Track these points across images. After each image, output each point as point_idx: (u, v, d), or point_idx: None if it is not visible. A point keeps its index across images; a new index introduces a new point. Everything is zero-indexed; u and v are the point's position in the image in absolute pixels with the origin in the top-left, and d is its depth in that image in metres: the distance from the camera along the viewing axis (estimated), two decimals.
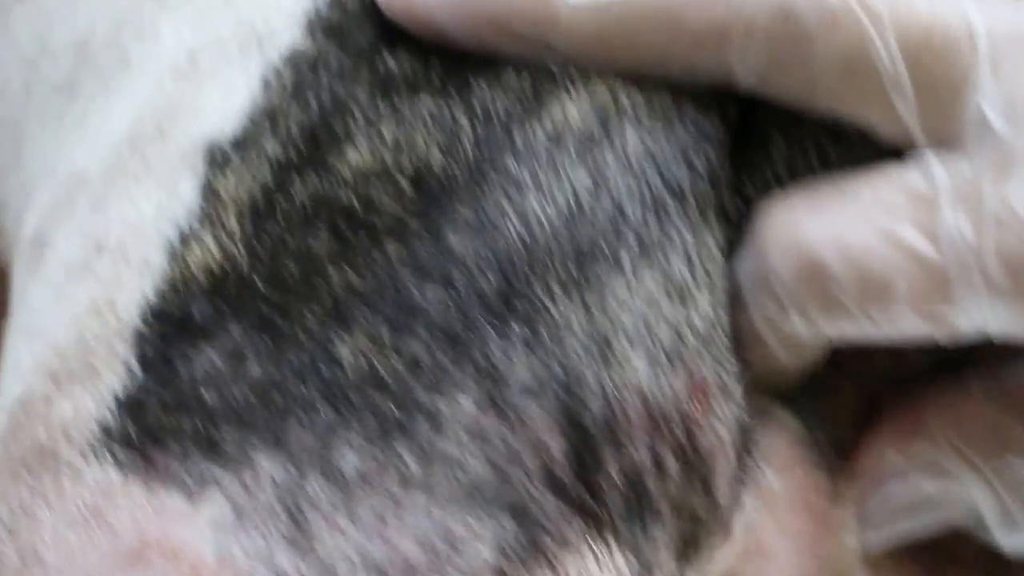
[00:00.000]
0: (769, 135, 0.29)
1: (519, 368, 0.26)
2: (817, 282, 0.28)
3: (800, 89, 0.28)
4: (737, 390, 0.28)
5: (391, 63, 0.28)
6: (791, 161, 0.29)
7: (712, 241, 0.28)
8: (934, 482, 0.30)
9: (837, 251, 0.28)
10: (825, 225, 0.28)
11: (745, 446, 0.29)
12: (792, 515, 0.30)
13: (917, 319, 0.28)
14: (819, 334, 0.29)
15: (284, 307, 0.26)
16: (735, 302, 0.29)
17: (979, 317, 0.28)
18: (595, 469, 0.26)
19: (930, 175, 0.28)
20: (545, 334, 0.26)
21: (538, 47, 0.28)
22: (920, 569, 0.32)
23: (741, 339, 0.29)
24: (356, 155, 0.27)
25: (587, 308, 0.26)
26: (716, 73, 0.28)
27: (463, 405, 0.25)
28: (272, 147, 0.28)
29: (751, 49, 0.28)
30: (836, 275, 0.28)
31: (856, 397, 0.31)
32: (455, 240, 0.26)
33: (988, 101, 0.28)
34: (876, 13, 0.28)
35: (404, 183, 0.27)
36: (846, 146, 0.29)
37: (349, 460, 0.25)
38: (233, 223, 0.27)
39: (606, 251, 0.26)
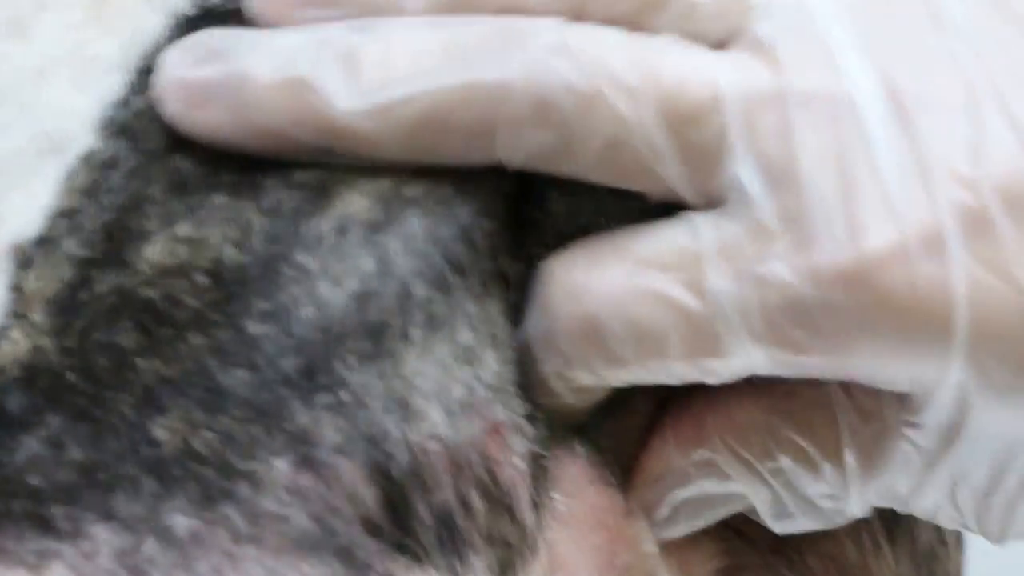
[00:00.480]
0: (547, 194, 0.31)
1: (327, 431, 0.28)
2: (596, 338, 0.30)
3: (569, 169, 0.30)
4: (528, 428, 0.31)
5: (184, 163, 0.30)
6: (570, 217, 0.31)
7: (494, 308, 0.31)
8: (715, 483, 0.33)
9: (613, 308, 0.30)
10: (601, 283, 0.30)
11: (541, 475, 0.31)
12: (588, 532, 0.32)
13: (691, 369, 0.30)
14: (606, 384, 0.31)
15: (97, 397, 0.28)
16: (527, 355, 0.31)
17: (747, 363, 0.30)
18: (408, 512, 0.28)
19: (697, 234, 0.30)
20: (348, 400, 0.28)
21: (321, 152, 0.30)
22: (714, 545, 0.35)
23: (535, 387, 0.31)
24: (153, 252, 0.29)
25: (383, 375, 0.29)
26: (489, 160, 0.30)
27: (279, 468, 0.28)
28: (71, 245, 0.29)
29: (516, 140, 0.30)
30: (613, 332, 0.30)
31: (645, 411, 0.33)
32: (254, 328, 0.29)
33: (742, 165, 0.29)
34: (629, 88, 0.29)
35: (201, 278, 0.29)
36: (623, 197, 0.30)
37: (180, 522, 0.27)
38: (38, 318, 0.29)
39: (396, 327, 0.29)
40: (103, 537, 0.27)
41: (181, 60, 0.31)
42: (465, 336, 0.30)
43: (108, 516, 0.27)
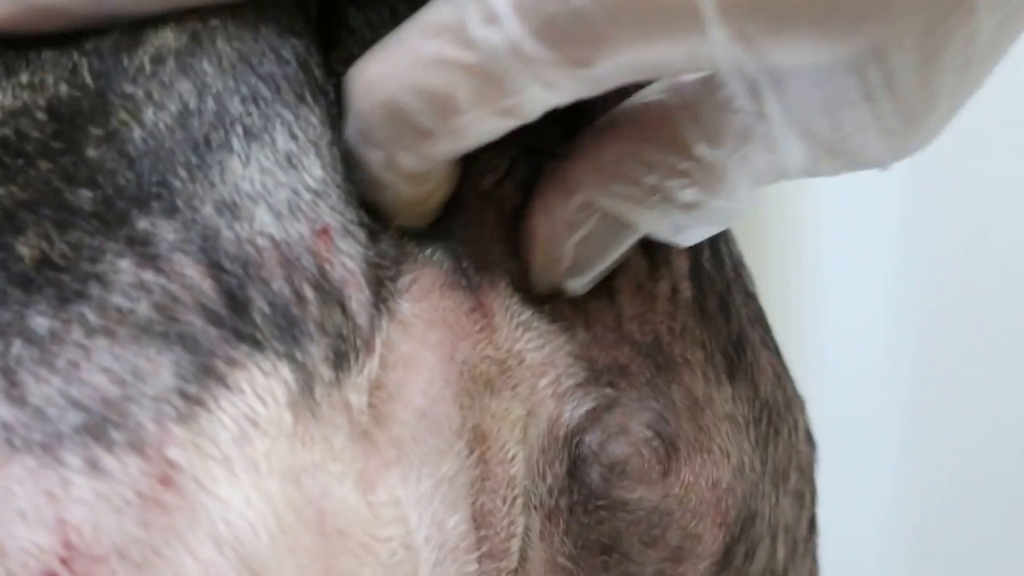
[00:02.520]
0: (345, 12, 0.35)
1: (164, 232, 0.32)
2: (401, 118, 0.33)
3: None
4: (360, 233, 0.34)
5: None
6: (369, 29, 0.35)
7: (314, 117, 0.34)
8: (600, 223, 0.36)
9: (404, 86, 0.33)
10: (390, 70, 0.33)
11: (378, 280, 0.35)
12: (431, 330, 0.35)
13: (494, 118, 0.33)
14: (428, 159, 0.34)
15: None
16: (354, 162, 0.35)
17: (537, 94, 0.33)
18: (245, 302, 0.32)
19: (453, 2, 0.33)
20: (180, 205, 0.32)
21: (94, 19, 0.33)
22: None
23: (371, 191, 0.35)
24: (2, 99, 0.33)
25: (211, 183, 0.33)
26: None
27: (123, 267, 0.32)
28: None
29: None
30: (411, 106, 0.33)
31: (494, 214, 0.37)
32: (92, 152, 0.33)
33: None
34: None
35: (42, 115, 0.33)
36: (416, 5, 0.34)
37: (41, 324, 0.31)
38: None
39: (218, 140, 0.33)
40: None
41: None
42: (285, 143, 0.34)
43: None
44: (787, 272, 0.86)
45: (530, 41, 0.32)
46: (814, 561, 0.45)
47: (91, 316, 0.31)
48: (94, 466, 0.30)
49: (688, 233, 0.37)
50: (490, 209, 0.37)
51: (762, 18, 0.31)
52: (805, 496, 0.45)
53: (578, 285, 0.38)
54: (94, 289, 0.31)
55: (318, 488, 0.32)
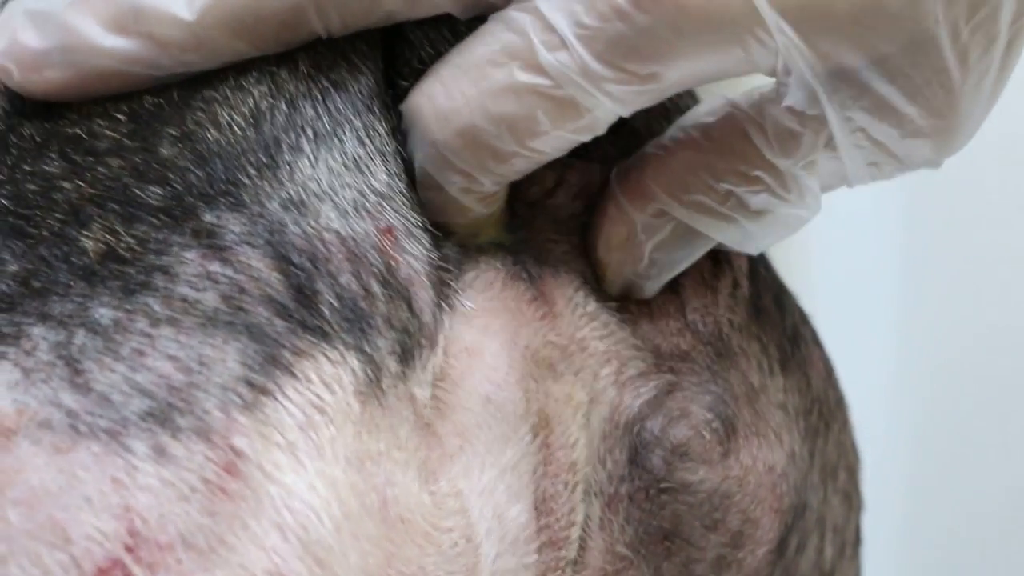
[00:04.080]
0: (402, 27, 0.35)
1: (231, 226, 0.32)
2: (480, 143, 0.34)
3: (380, 17, 0.34)
4: (423, 237, 0.35)
5: None
6: (429, 42, 0.36)
7: (380, 127, 0.35)
8: (676, 226, 0.37)
9: (483, 116, 0.34)
10: (462, 99, 0.34)
11: (441, 281, 0.35)
12: (493, 318, 0.36)
13: (569, 135, 0.34)
14: (505, 179, 0.35)
15: (30, 217, 0.32)
16: (431, 185, 0.35)
17: (609, 109, 0.34)
18: (312, 295, 0.32)
19: (512, 24, 0.33)
20: (247, 200, 0.33)
21: (153, 78, 0.33)
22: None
23: (442, 213, 0.36)
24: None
25: (280, 181, 0.33)
26: (310, 36, 0.34)
27: (189, 258, 0.32)
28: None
29: (326, 13, 0.33)
30: (490, 132, 0.34)
31: (547, 221, 0.37)
32: (167, 151, 0.33)
33: None
34: None
35: (120, 115, 0.33)
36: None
37: (105, 315, 0.31)
38: None
39: (288, 141, 0.33)
40: (40, 334, 0.31)
41: (11, 31, 0.33)
42: (354, 148, 0.34)
43: (43, 317, 0.31)
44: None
45: (598, 64, 0.33)
46: (859, 570, 0.45)
47: (156, 306, 0.31)
48: (160, 453, 0.30)
49: (757, 241, 0.38)
50: (540, 216, 0.38)
51: (815, 20, 0.33)
52: (853, 499, 0.45)
53: (652, 288, 0.39)
54: (159, 280, 0.32)
55: (382, 475, 0.32)
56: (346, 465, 0.32)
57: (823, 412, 0.43)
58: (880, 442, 0.85)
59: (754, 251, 0.39)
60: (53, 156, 0.33)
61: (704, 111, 0.37)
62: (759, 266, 0.42)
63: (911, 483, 0.89)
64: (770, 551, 0.41)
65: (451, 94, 0.34)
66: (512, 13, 0.34)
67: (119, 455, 0.30)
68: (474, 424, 0.35)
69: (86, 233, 0.32)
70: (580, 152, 0.38)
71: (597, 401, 0.38)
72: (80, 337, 0.31)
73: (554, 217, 0.38)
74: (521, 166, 0.35)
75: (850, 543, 0.44)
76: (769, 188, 0.36)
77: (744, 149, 0.36)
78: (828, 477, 0.43)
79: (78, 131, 0.33)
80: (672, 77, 0.33)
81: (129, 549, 0.30)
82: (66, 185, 0.32)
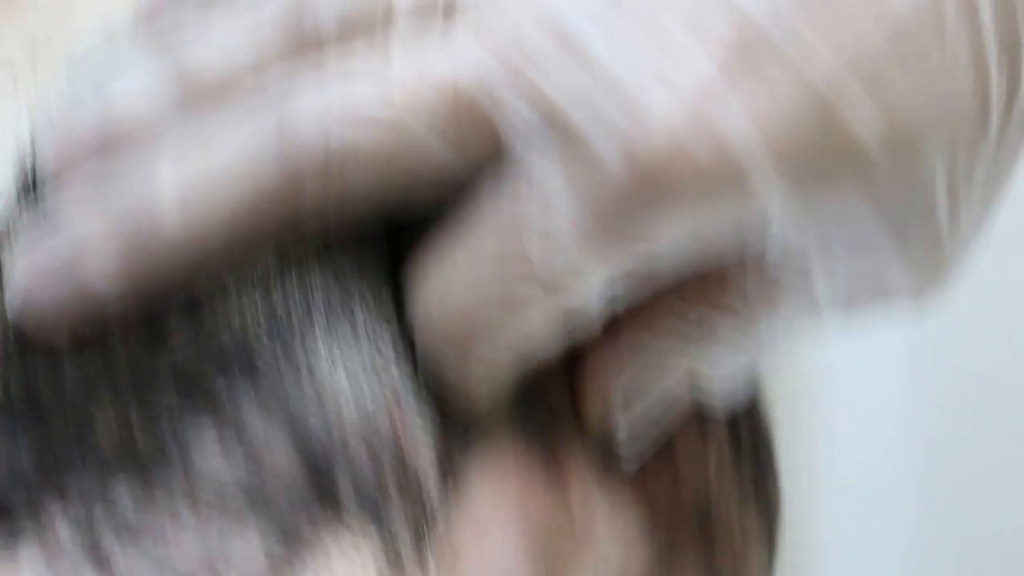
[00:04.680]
0: None
1: (253, 420, 0.32)
2: (478, 339, 0.33)
3: (370, 210, 0.33)
4: (429, 417, 0.34)
5: None
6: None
7: (386, 311, 0.34)
8: (649, 367, 0.36)
9: (471, 303, 0.33)
10: (456, 295, 0.33)
11: (449, 455, 0.34)
12: (503, 493, 0.35)
13: (559, 316, 0.33)
14: (506, 365, 0.34)
15: (44, 403, 0.32)
16: (427, 369, 0.34)
17: (600, 286, 0.33)
18: (330, 481, 0.32)
19: (529, 195, 0.32)
20: (265, 383, 0.32)
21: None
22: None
23: (444, 389, 0.34)
24: None
25: (296, 366, 0.32)
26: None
27: (209, 441, 0.31)
28: None
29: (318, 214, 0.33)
30: (481, 320, 0.33)
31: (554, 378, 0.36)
32: (177, 341, 0.32)
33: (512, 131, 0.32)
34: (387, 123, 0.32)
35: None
36: None
37: (123, 492, 0.31)
38: None
39: (303, 335, 0.33)
40: (59, 510, 0.31)
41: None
42: (365, 336, 0.34)
43: (62, 493, 0.31)
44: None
45: (589, 230, 0.32)
46: None
47: (178, 486, 0.31)
48: None
49: (728, 369, 0.37)
50: (550, 375, 0.37)
51: (807, 173, 0.32)
52: None
53: (630, 446, 0.37)
54: (177, 459, 0.31)
55: None
56: None
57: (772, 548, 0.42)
58: (890, 464, 0.85)
59: (725, 387, 0.37)
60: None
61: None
62: (741, 427, 0.41)
63: (920, 504, 0.89)
64: None
65: (450, 289, 0.33)
66: (525, 189, 0.33)
67: None
68: None
69: (97, 406, 0.32)
70: None
71: (606, 571, 0.37)
72: (99, 512, 0.31)
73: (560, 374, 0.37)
74: (514, 351, 0.34)
75: None
76: (740, 315, 0.35)
77: (714, 279, 0.35)
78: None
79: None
80: (663, 243, 0.33)
81: None
82: (75, 360, 0.32)
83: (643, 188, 0.32)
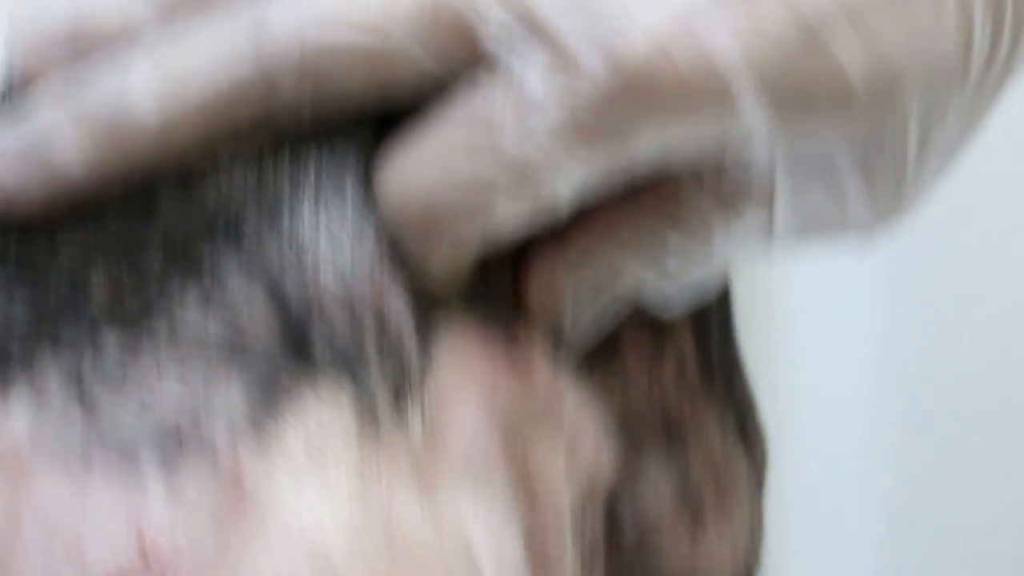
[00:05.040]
0: None
1: (235, 283, 0.33)
2: (435, 217, 0.34)
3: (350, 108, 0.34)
4: (407, 285, 0.35)
5: None
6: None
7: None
8: (597, 267, 0.37)
9: (436, 182, 0.34)
10: (418, 165, 0.34)
11: (425, 333, 0.35)
12: (469, 373, 0.36)
13: (526, 208, 0.34)
14: (468, 252, 0.35)
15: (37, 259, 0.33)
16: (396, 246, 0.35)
17: (569, 192, 0.34)
18: (307, 337, 0.33)
19: (506, 95, 0.33)
20: (250, 260, 0.33)
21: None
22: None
23: (411, 273, 0.35)
24: None
25: (278, 228, 0.34)
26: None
27: (193, 310, 0.33)
28: None
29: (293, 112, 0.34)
30: (445, 201, 0.34)
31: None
32: (165, 201, 0.34)
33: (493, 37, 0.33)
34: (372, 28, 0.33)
35: None
36: None
37: (111, 339, 0.32)
38: None
39: (289, 192, 0.34)
40: (51, 359, 0.32)
41: None
42: (355, 205, 0.35)
43: (55, 341, 0.32)
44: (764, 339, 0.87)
45: (567, 132, 0.33)
46: None
47: (162, 333, 0.32)
48: (168, 477, 0.31)
49: (677, 288, 0.38)
50: (511, 263, 0.38)
51: (787, 97, 0.33)
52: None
53: (577, 335, 0.38)
54: (161, 323, 0.33)
55: (383, 505, 0.33)
56: (348, 497, 0.32)
57: (760, 492, 0.43)
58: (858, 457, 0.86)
59: (674, 301, 0.38)
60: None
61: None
62: (711, 342, 0.42)
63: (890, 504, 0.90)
64: None
65: (411, 162, 0.34)
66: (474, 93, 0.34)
67: (130, 480, 0.31)
68: (459, 478, 0.35)
69: (94, 276, 0.33)
70: None
71: (576, 458, 0.38)
72: (87, 362, 0.32)
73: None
74: (477, 238, 0.35)
75: None
76: (692, 234, 0.36)
77: (670, 191, 0.36)
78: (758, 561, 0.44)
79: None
80: (639, 148, 0.34)
81: (139, 573, 0.31)
82: (70, 237, 0.33)
83: (623, 93, 0.33)
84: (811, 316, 0.88)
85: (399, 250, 0.36)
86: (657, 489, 0.39)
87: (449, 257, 0.35)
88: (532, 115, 0.33)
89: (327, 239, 0.34)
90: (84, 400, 0.32)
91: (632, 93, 0.33)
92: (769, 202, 0.36)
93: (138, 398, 0.32)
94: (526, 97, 0.33)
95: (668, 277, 0.37)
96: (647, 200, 0.36)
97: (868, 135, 0.34)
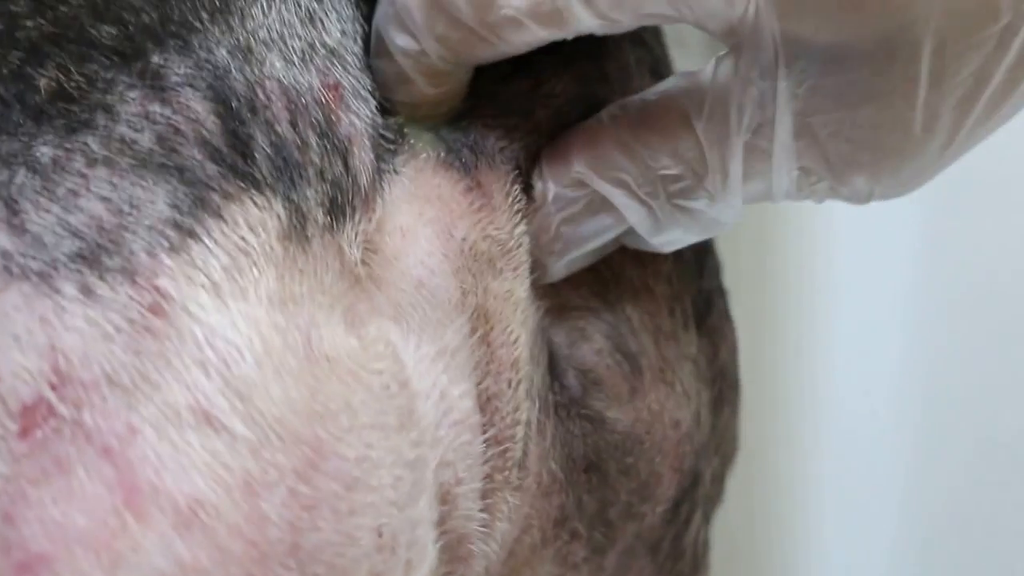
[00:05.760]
0: None
1: (176, 68, 0.32)
2: (437, 6, 0.34)
3: None
4: (371, 100, 0.35)
5: None
6: None
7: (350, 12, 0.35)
8: (589, 202, 0.37)
9: None
10: None
11: (382, 148, 0.35)
12: (427, 205, 0.36)
13: (532, 23, 0.34)
14: (455, 60, 0.35)
15: None
16: (381, 50, 0.35)
17: (582, 9, 0.33)
18: (246, 140, 0.32)
19: None
20: (196, 44, 0.33)
21: None
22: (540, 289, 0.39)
23: (389, 85, 0.35)
24: None
25: (230, 27, 0.33)
26: None
27: (131, 97, 0.32)
28: None
29: None
30: None
31: (494, 116, 0.37)
32: None
33: None
34: None
35: None
36: None
37: (45, 153, 0.31)
38: None
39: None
40: None
41: None
42: (309, 2, 0.34)
43: None
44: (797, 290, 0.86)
45: None
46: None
47: (94, 145, 0.32)
48: (87, 293, 0.31)
49: (667, 235, 0.37)
50: (487, 107, 0.38)
51: None
52: (720, 489, 0.45)
53: (556, 268, 0.38)
54: (101, 119, 0.32)
55: (305, 316, 0.32)
56: (268, 305, 0.32)
57: (723, 388, 0.43)
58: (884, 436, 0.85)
59: (661, 247, 0.38)
60: None
61: (652, 89, 0.37)
62: None
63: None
64: (667, 511, 0.41)
65: None
66: None
67: (48, 296, 0.31)
68: (407, 303, 0.35)
69: (41, 71, 0.32)
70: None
71: (532, 299, 0.38)
72: (20, 176, 0.31)
73: (495, 99, 0.38)
74: (473, 45, 0.35)
75: (703, 543, 0.44)
76: (693, 176, 0.36)
77: (676, 128, 0.35)
78: (715, 456, 0.43)
79: None
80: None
81: (54, 387, 0.30)
82: (28, 23, 0.32)
83: None
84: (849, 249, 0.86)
85: (374, 56, 0.35)
86: (589, 333, 0.39)
87: (442, 50, 0.34)
88: None
89: (279, 34, 0.34)
90: (11, 218, 0.31)
91: None
92: (769, 138, 0.34)
93: (63, 218, 0.31)
94: None
95: (659, 224, 0.37)
96: (648, 139, 0.36)
97: (876, 40, 0.32)
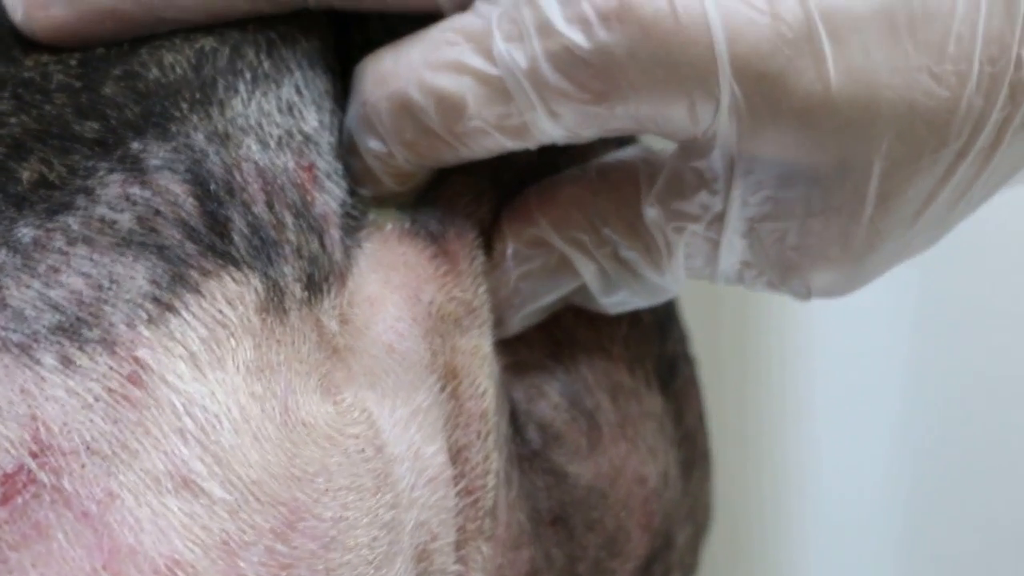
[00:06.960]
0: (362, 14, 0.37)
1: (155, 152, 0.33)
2: (405, 112, 0.35)
3: (370, 5, 0.35)
4: (342, 183, 0.36)
5: None
6: (385, 23, 0.37)
7: (321, 84, 0.36)
8: (546, 260, 0.38)
9: (416, 83, 0.34)
10: (404, 65, 0.35)
11: (351, 226, 0.36)
12: (392, 272, 0.37)
13: (498, 135, 0.35)
14: (420, 163, 0.36)
15: None
16: (350, 147, 0.36)
17: (545, 123, 0.34)
18: (224, 221, 0.33)
19: (481, 12, 0.34)
20: (175, 131, 0.34)
21: (148, 26, 0.35)
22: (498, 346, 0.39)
23: (358, 177, 0.37)
24: (38, 54, 0.35)
25: (209, 116, 0.34)
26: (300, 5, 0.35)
27: (111, 181, 0.33)
28: None
29: None
30: (419, 103, 0.35)
31: (464, 183, 0.38)
32: (108, 90, 0.34)
33: None
34: None
35: (72, 60, 0.35)
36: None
37: (26, 234, 0.32)
38: None
39: (224, 81, 0.35)
40: None
41: None
42: (289, 95, 0.36)
43: None
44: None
45: (548, 66, 0.33)
46: None
47: (75, 225, 0.32)
48: (66, 363, 0.31)
49: (616, 296, 0.39)
50: (459, 180, 0.39)
51: (768, 94, 0.33)
52: (695, 557, 0.45)
53: (514, 322, 0.39)
54: (81, 201, 0.33)
55: (282, 384, 0.33)
56: (246, 373, 0.32)
57: (692, 453, 0.44)
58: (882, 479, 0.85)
59: (611, 308, 0.39)
60: (6, 96, 0.34)
61: (613, 155, 0.38)
62: None
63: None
64: (637, 568, 0.42)
65: (397, 60, 0.35)
66: (483, 4, 0.34)
67: (28, 367, 0.31)
68: (380, 369, 0.36)
69: (24, 164, 0.33)
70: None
71: (495, 353, 0.39)
72: (1, 256, 0.32)
73: (466, 167, 0.38)
74: (439, 151, 0.35)
75: None
76: (642, 248, 0.37)
77: (630, 195, 0.37)
78: (687, 522, 0.44)
79: (33, 75, 0.34)
80: (612, 107, 0.34)
81: (34, 455, 0.31)
82: (12, 121, 0.34)
83: (613, 42, 0.32)
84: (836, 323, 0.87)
85: (345, 152, 0.36)
86: (545, 390, 0.40)
87: (409, 154, 0.35)
88: (525, 36, 0.33)
89: (257, 121, 0.35)
90: None
91: (624, 32, 0.32)
92: (716, 228, 0.36)
93: (44, 293, 0.32)
94: (527, 13, 0.33)
95: (611, 286, 0.38)
96: (602, 203, 0.37)
97: (830, 161, 0.34)
